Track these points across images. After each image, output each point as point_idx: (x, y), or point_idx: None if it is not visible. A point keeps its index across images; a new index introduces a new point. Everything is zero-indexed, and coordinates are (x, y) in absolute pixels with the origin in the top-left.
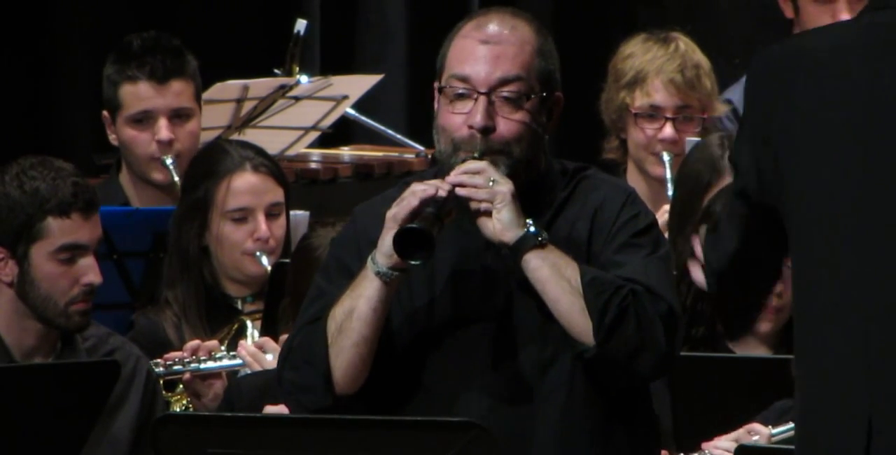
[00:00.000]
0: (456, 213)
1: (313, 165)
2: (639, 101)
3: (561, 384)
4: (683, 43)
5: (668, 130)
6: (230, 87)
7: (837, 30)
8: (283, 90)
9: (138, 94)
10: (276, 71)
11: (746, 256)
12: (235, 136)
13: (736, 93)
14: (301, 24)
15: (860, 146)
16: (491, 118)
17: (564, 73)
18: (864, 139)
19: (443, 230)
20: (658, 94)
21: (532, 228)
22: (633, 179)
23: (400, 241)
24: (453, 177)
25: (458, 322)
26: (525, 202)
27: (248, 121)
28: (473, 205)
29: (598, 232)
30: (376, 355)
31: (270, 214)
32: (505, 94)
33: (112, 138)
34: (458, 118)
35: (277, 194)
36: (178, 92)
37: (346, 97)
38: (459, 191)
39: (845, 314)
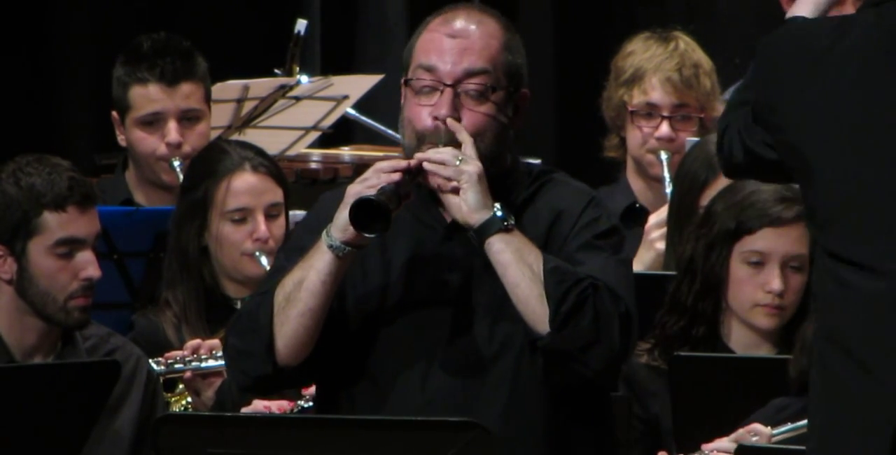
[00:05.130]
0: (415, 195)
1: (313, 165)
2: (636, 98)
3: (503, 381)
4: (684, 42)
5: (665, 129)
6: (230, 87)
7: (841, 22)
8: (283, 90)
9: (148, 95)
10: (277, 71)
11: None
12: (236, 136)
13: None
14: (301, 24)
15: (868, 137)
16: (456, 110)
17: (564, 73)
18: (870, 134)
19: (399, 209)
20: (655, 92)
21: (499, 212)
22: (633, 178)
23: (356, 212)
24: (420, 154)
25: (408, 312)
26: None
27: (248, 121)
28: (441, 183)
29: (559, 233)
30: (327, 335)
31: (270, 215)
32: (471, 86)
33: (120, 139)
34: (423, 110)
35: (277, 194)
36: (187, 94)
37: (346, 97)
38: (427, 165)
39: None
